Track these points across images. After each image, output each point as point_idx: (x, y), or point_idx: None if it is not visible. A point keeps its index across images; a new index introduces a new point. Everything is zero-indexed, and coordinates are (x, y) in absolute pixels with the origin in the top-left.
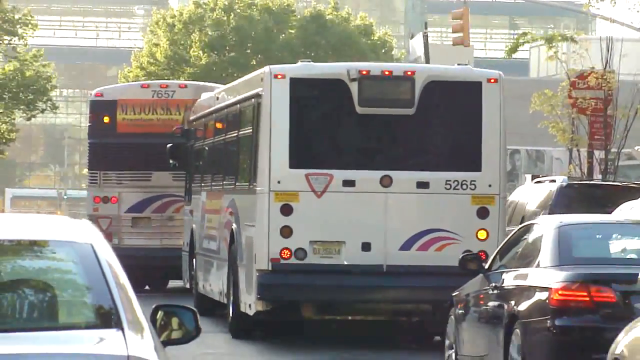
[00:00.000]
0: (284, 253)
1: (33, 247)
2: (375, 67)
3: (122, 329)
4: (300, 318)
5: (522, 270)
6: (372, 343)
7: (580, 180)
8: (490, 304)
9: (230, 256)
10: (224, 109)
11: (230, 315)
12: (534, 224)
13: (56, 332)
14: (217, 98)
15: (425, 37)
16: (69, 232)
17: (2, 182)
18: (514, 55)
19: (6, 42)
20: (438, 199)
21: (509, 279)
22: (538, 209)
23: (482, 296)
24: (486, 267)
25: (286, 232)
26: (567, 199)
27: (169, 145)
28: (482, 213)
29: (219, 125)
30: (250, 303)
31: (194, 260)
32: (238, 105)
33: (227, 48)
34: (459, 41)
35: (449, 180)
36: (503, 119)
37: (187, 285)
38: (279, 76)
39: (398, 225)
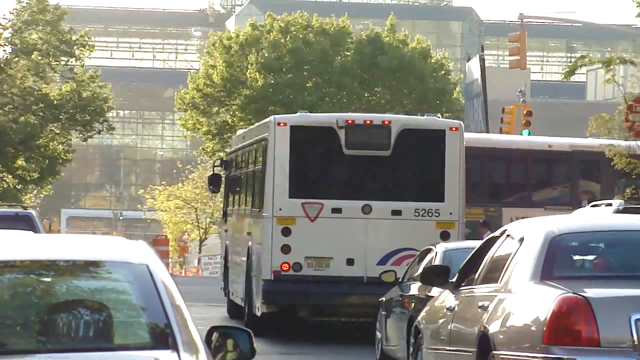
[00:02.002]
0: (284, 266)
1: (89, 267)
2: (358, 117)
3: (177, 350)
4: (297, 319)
5: (419, 282)
6: (356, 340)
7: (637, 204)
8: (400, 307)
9: (247, 268)
10: (246, 147)
11: (246, 316)
12: (430, 248)
13: (111, 353)
14: (244, 137)
15: (482, 60)
16: (125, 252)
17: (58, 202)
18: (571, 78)
19: (63, 63)
20: (409, 224)
21: (412, 289)
22: None
23: (395, 301)
24: (400, 280)
25: (286, 249)
26: None
27: (209, 175)
28: (445, 235)
29: (242, 160)
30: (258, 306)
31: (227, 272)
32: (254, 145)
33: (284, 70)
34: (516, 64)
35: (418, 209)
36: (462, 159)
37: (224, 294)
38: (282, 124)
39: (376, 244)
